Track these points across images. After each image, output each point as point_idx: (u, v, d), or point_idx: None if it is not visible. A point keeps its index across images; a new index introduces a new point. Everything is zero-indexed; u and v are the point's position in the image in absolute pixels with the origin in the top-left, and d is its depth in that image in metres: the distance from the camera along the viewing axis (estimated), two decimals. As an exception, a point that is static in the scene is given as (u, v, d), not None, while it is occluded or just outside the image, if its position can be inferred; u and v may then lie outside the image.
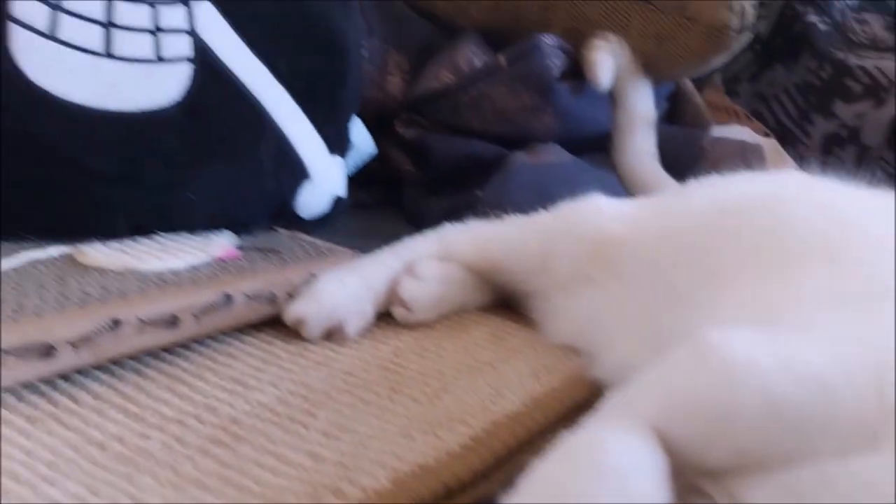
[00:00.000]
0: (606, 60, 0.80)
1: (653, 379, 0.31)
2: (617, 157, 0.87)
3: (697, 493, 0.29)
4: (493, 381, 0.48)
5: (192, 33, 0.59)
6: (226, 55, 0.61)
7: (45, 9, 0.54)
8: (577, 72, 0.89)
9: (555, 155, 0.84)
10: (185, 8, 0.60)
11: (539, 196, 0.79)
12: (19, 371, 0.39)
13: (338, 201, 0.69)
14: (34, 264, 0.50)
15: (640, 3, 0.87)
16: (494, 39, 0.96)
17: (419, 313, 0.56)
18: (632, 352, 0.46)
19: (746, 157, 0.89)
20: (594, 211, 0.56)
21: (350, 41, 0.72)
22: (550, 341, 0.54)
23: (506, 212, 0.78)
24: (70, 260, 0.52)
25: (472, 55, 0.91)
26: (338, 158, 0.69)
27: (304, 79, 0.66)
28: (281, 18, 0.65)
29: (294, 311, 0.52)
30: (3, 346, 0.39)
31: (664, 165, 0.87)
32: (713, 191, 0.52)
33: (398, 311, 0.56)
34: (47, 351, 0.40)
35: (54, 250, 0.52)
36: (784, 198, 0.46)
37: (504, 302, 0.61)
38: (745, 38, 0.87)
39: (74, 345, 0.41)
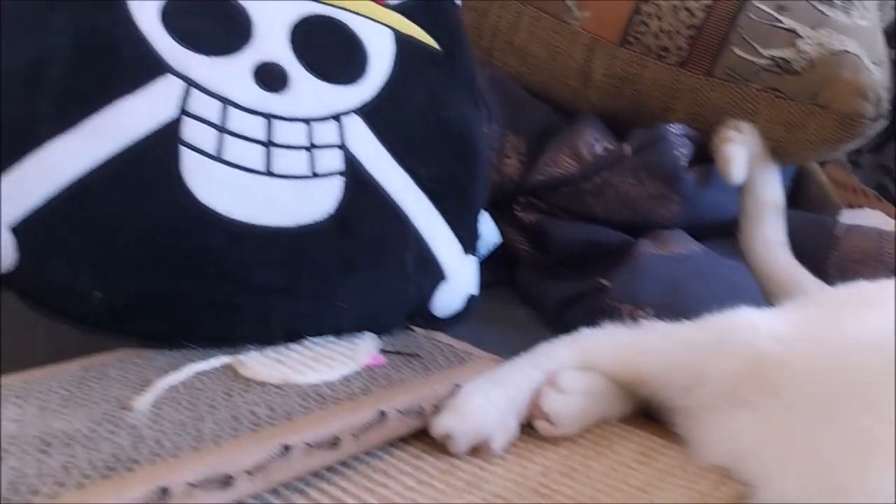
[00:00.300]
0: (741, 155, 0.79)
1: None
2: (745, 246, 0.85)
3: None
4: (649, 511, 0.47)
5: (343, 147, 0.62)
6: (372, 166, 0.63)
7: (212, 132, 0.57)
8: (701, 155, 0.88)
9: (684, 245, 0.83)
10: (337, 123, 0.62)
11: (671, 290, 0.78)
12: (201, 502, 0.41)
13: (471, 299, 0.70)
14: (199, 376, 0.53)
15: (769, 91, 0.86)
16: (612, 122, 0.97)
17: (563, 428, 0.56)
18: (797, 487, 0.45)
19: (882, 247, 0.86)
20: (747, 327, 0.55)
21: (478, 137, 0.74)
22: (701, 462, 0.53)
23: (637, 306, 0.77)
24: (232, 371, 0.54)
25: (593, 141, 0.92)
26: (471, 257, 0.70)
27: (441, 182, 0.67)
28: (420, 126, 0.68)
29: (441, 426, 0.53)
30: (190, 478, 0.41)
31: (793, 251, 0.85)
32: (877, 316, 0.51)
33: (542, 426, 0.56)
34: (227, 481, 0.42)
35: (216, 361, 0.55)
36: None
37: (646, 410, 0.61)
38: (881, 125, 0.85)
39: (250, 473, 0.43)
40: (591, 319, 0.78)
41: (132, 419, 0.46)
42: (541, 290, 0.91)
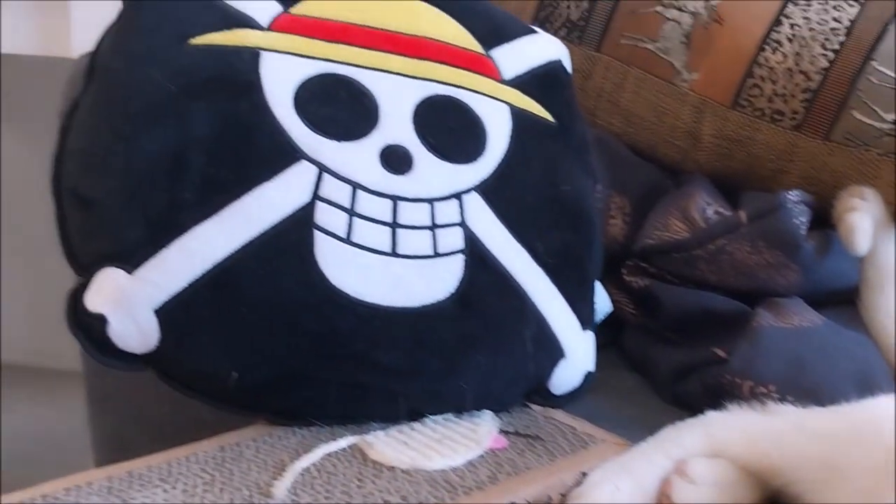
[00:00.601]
0: (866, 224, 0.76)
1: None
2: (865, 315, 0.82)
3: None
4: None
5: (463, 225, 0.63)
6: (492, 243, 0.64)
7: (343, 215, 0.59)
8: (817, 220, 0.86)
9: (804, 316, 0.80)
10: (458, 201, 0.63)
11: (795, 366, 0.76)
12: None
13: (588, 376, 0.69)
14: (329, 458, 0.54)
15: (892, 156, 0.83)
16: (721, 183, 0.95)
17: (693, 519, 0.54)
18: None
19: None
20: (889, 418, 0.53)
21: (593, 208, 0.73)
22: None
23: (759, 382, 0.75)
24: (360, 453, 0.55)
25: (704, 205, 0.90)
26: (589, 333, 0.69)
27: (558, 256, 0.67)
28: (537, 200, 0.68)
29: (571, 516, 0.52)
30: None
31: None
32: None
33: (671, 516, 0.55)
34: (368, 577, 0.42)
35: (344, 441, 0.56)
36: None
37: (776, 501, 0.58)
38: None
39: (390, 569, 0.43)
40: (708, 394, 0.77)
41: (273, 507, 0.47)
42: (650, 356, 0.89)
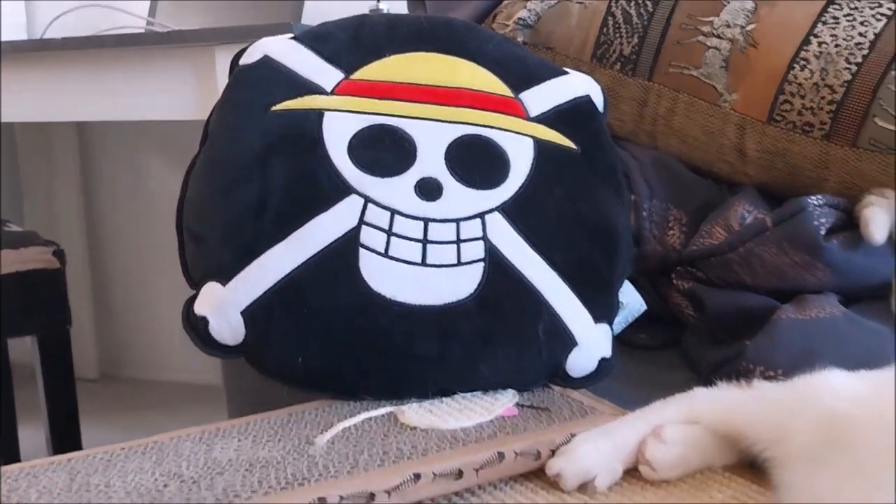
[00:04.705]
0: (880, 216, 0.83)
1: None
2: (897, 308, 0.87)
3: None
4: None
5: (485, 239, 0.77)
6: (510, 254, 0.77)
7: (382, 235, 0.75)
8: (851, 222, 0.92)
9: (823, 308, 0.87)
10: (481, 220, 0.78)
11: (805, 353, 0.83)
12: (354, 512, 0.57)
13: (603, 361, 0.80)
14: (368, 421, 0.70)
15: (914, 157, 0.88)
16: (772, 192, 1.02)
17: (663, 472, 0.65)
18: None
19: None
20: (827, 388, 0.61)
21: (619, 225, 0.85)
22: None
23: (768, 367, 0.83)
24: (393, 418, 0.70)
25: (745, 213, 0.99)
26: (603, 325, 0.81)
27: (576, 266, 0.80)
28: (556, 218, 0.81)
29: (554, 467, 0.65)
30: (343, 493, 0.57)
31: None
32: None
33: (644, 470, 0.66)
34: (371, 497, 0.58)
35: (383, 410, 0.72)
36: None
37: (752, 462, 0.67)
38: None
39: (388, 493, 0.58)
40: (732, 381, 0.85)
41: (313, 451, 0.63)
42: (699, 354, 0.98)
